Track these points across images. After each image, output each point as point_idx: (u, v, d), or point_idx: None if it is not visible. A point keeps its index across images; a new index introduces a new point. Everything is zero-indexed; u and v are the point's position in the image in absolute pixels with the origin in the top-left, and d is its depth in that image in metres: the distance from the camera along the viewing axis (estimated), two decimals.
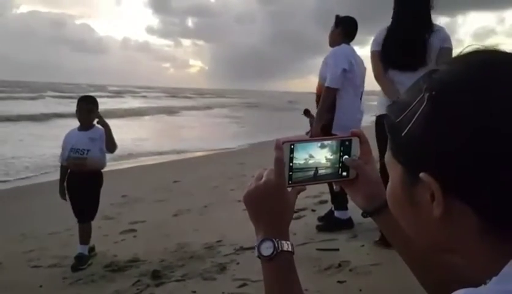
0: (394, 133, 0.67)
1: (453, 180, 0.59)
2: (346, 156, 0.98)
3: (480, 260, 0.62)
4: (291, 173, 0.93)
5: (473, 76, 0.60)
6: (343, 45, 4.70)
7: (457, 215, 0.61)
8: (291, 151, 0.92)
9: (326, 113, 4.54)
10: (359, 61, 4.74)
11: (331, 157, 0.97)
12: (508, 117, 0.55)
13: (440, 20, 3.76)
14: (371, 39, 4.23)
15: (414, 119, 0.62)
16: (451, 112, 0.58)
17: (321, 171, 0.97)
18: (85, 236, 4.51)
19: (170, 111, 34.73)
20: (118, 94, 64.07)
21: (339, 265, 3.65)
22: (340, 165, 0.98)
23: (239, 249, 4.31)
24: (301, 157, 0.93)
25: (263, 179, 0.94)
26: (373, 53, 3.96)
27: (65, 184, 4.57)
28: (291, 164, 0.93)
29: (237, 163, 10.48)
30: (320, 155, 0.95)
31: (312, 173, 0.96)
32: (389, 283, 3.24)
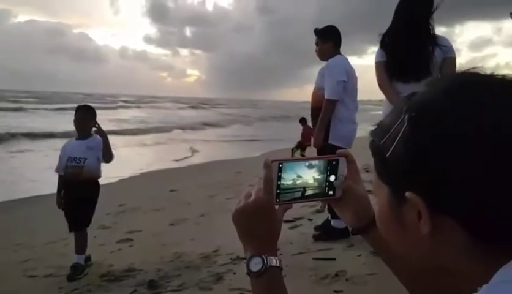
0: (379, 155, 0.69)
1: (438, 197, 0.60)
2: (333, 176, 0.99)
3: (470, 273, 0.62)
4: (278, 191, 0.95)
5: (450, 97, 0.62)
6: (339, 56, 4.74)
7: (444, 232, 0.62)
8: (280, 170, 0.94)
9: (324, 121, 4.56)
10: (353, 71, 4.77)
11: (318, 177, 0.98)
12: (487, 135, 0.57)
13: (437, 30, 3.80)
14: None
15: (396, 141, 0.64)
16: (430, 131, 0.60)
17: (309, 191, 0.98)
18: (81, 245, 4.50)
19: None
20: (135, 104, 63.79)
21: (336, 275, 3.64)
22: (327, 184, 0.99)
23: (235, 259, 4.30)
24: (288, 177, 0.95)
25: (252, 197, 0.95)
26: (377, 63, 3.99)
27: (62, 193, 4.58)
28: (279, 183, 0.94)
29: (234, 172, 10.47)
30: (308, 175, 0.97)
31: (299, 192, 0.97)
32: (385, 293, 3.24)
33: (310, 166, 0.97)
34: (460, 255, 0.62)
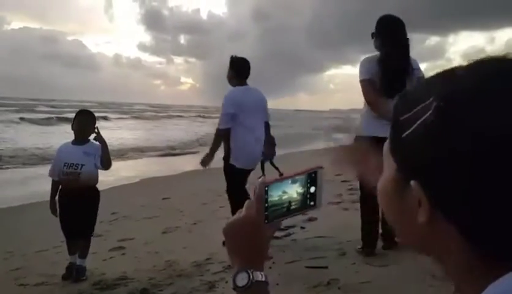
0: (396, 130, 0.67)
1: (440, 196, 0.60)
2: (313, 187, 1.02)
3: (462, 277, 0.62)
4: (266, 213, 0.97)
5: (481, 97, 0.58)
6: (236, 88, 5.26)
7: (440, 230, 0.61)
8: (266, 192, 0.96)
9: (226, 145, 5.24)
10: (255, 98, 5.34)
11: (301, 191, 1.01)
12: (508, 141, 0.55)
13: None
14: (363, 57, 4.40)
15: (416, 125, 0.61)
16: (453, 129, 0.58)
17: (293, 205, 1.01)
18: (85, 250, 4.54)
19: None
20: (142, 112, 63.01)
21: (328, 283, 3.65)
22: (308, 196, 1.02)
23: (228, 267, 4.29)
24: (275, 195, 0.98)
25: (242, 213, 0.97)
26: (364, 81, 4.19)
27: (58, 200, 4.54)
28: (266, 205, 0.97)
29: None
30: (292, 190, 1.00)
31: (285, 208, 1.00)
32: None
33: (294, 182, 1.00)
34: (452, 256, 0.62)
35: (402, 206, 0.67)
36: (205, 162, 5.29)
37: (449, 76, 0.63)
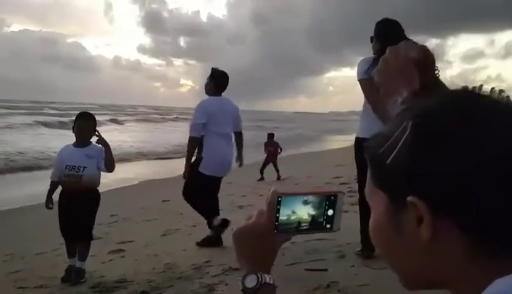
0: (377, 163, 0.68)
1: (440, 199, 0.60)
2: (331, 210, 1.01)
3: (468, 286, 0.62)
4: (277, 223, 0.97)
5: (454, 103, 0.63)
6: (210, 98, 5.52)
7: (445, 239, 0.61)
8: (279, 203, 0.97)
9: (198, 153, 5.43)
10: (227, 107, 5.59)
11: (317, 211, 1.01)
12: (492, 139, 0.58)
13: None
14: (360, 59, 4.40)
15: (398, 147, 0.63)
16: (434, 136, 0.61)
17: (306, 224, 1.01)
18: (84, 253, 4.54)
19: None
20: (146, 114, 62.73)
21: (328, 285, 3.65)
22: (325, 218, 1.02)
23: (227, 270, 4.30)
24: (288, 209, 0.98)
25: (252, 219, 0.98)
26: (362, 81, 4.22)
27: (57, 201, 4.55)
28: (277, 215, 0.97)
29: (225, 182, 10.43)
30: (307, 208, 0.99)
31: (296, 224, 1.00)
32: None
33: (309, 200, 0.99)
34: (458, 264, 0.62)
35: (400, 236, 0.67)
36: (185, 173, 5.46)
37: (418, 103, 0.68)
